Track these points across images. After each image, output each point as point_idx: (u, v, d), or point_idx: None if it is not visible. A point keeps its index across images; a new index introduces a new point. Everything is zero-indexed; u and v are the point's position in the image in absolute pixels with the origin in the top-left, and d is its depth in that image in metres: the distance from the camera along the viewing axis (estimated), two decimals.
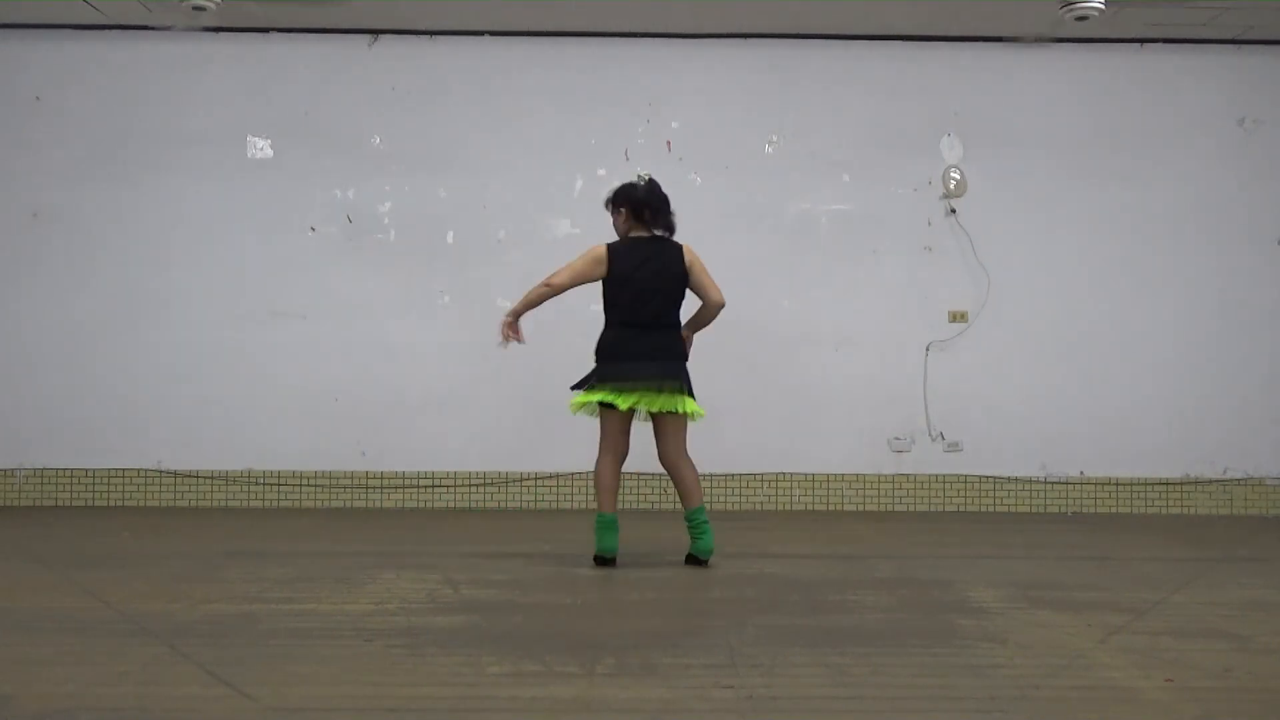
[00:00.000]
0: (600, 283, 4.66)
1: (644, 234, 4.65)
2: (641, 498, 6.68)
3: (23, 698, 2.67)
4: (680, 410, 4.55)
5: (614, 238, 4.75)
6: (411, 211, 6.84)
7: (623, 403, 4.49)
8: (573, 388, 4.63)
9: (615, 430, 4.61)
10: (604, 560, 4.60)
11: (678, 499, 6.84)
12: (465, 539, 5.57)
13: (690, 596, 4.04)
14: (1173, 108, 6.89)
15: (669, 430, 4.63)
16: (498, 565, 4.66)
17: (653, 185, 4.70)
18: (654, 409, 4.56)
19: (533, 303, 4.67)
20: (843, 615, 3.68)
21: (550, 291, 4.63)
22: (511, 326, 4.70)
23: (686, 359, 4.71)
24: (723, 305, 4.74)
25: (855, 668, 3.01)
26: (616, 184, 4.80)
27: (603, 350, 4.62)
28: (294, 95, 6.83)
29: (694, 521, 4.61)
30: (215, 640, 3.25)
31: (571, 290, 4.71)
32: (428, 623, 3.52)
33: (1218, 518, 6.71)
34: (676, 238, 4.73)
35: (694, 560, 4.64)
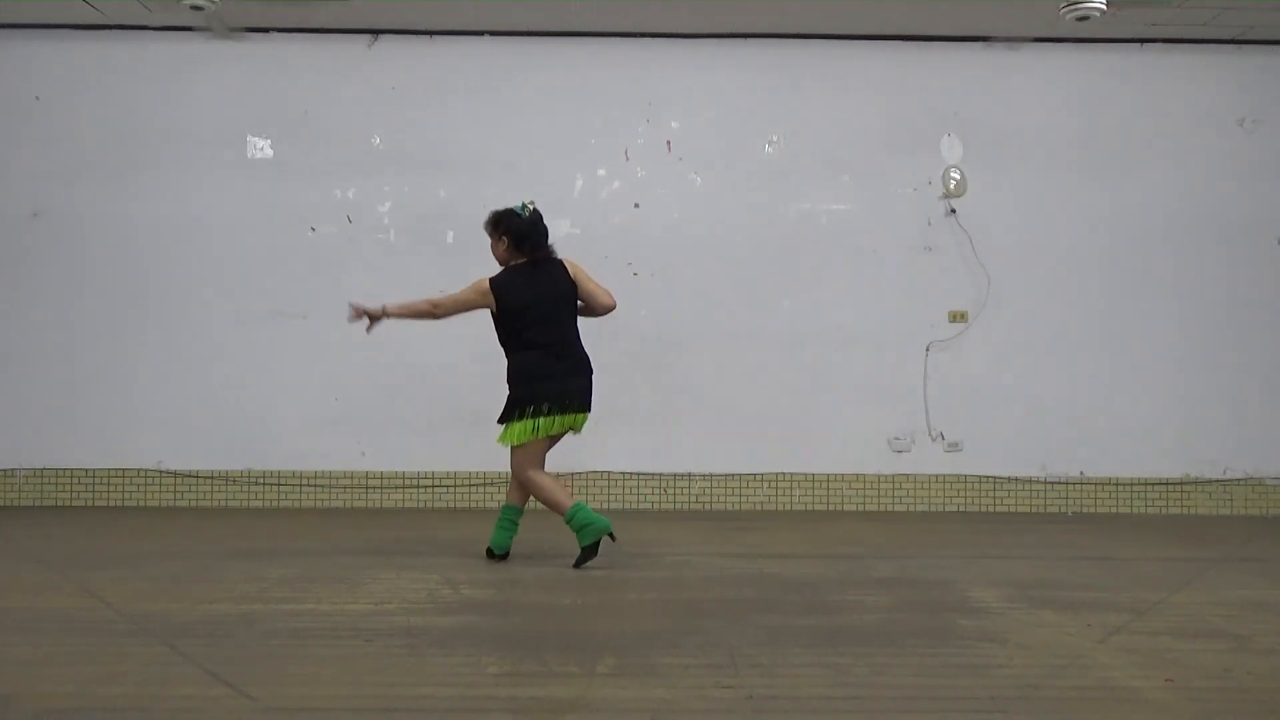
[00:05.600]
0: (492, 317, 4.68)
1: (523, 260, 4.68)
2: (641, 498, 6.67)
3: (23, 698, 2.67)
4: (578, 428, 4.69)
5: (497, 268, 4.78)
6: (411, 211, 6.83)
7: (559, 426, 4.57)
8: (504, 419, 4.60)
9: (544, 451, 4.66)
10: (595, 547, 4.52)
11: (678, 500, 6.84)
12: (465, 539, 5.57)
13: (690, 596, 4.04)
14: (1173, 108, 6.88)
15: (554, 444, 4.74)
16: (498, 565, 4.66)
17: (536, 217, 4.72)
18: (576, 429, 4.66)
19: (410, 314, 4.77)
20: (843, 615, 3.68)
21: (432, 314, 4.73)
22: (371, 318, 4.73)
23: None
24: (613, 307, 4.77)
25: (855, 668, 3.01)
26: (499, 207, 4.82)
27: (531, 374, 4.57)
28: (294, 95, 6.83)
29: (581, 513, 4.51)
30: (215, 640, 3.25)
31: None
32: (428, 623, 3.52)
33: (1218, 518, 6.71)
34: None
35: (591, 552, 4.49)
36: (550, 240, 4.76)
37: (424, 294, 6.75)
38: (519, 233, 4.68)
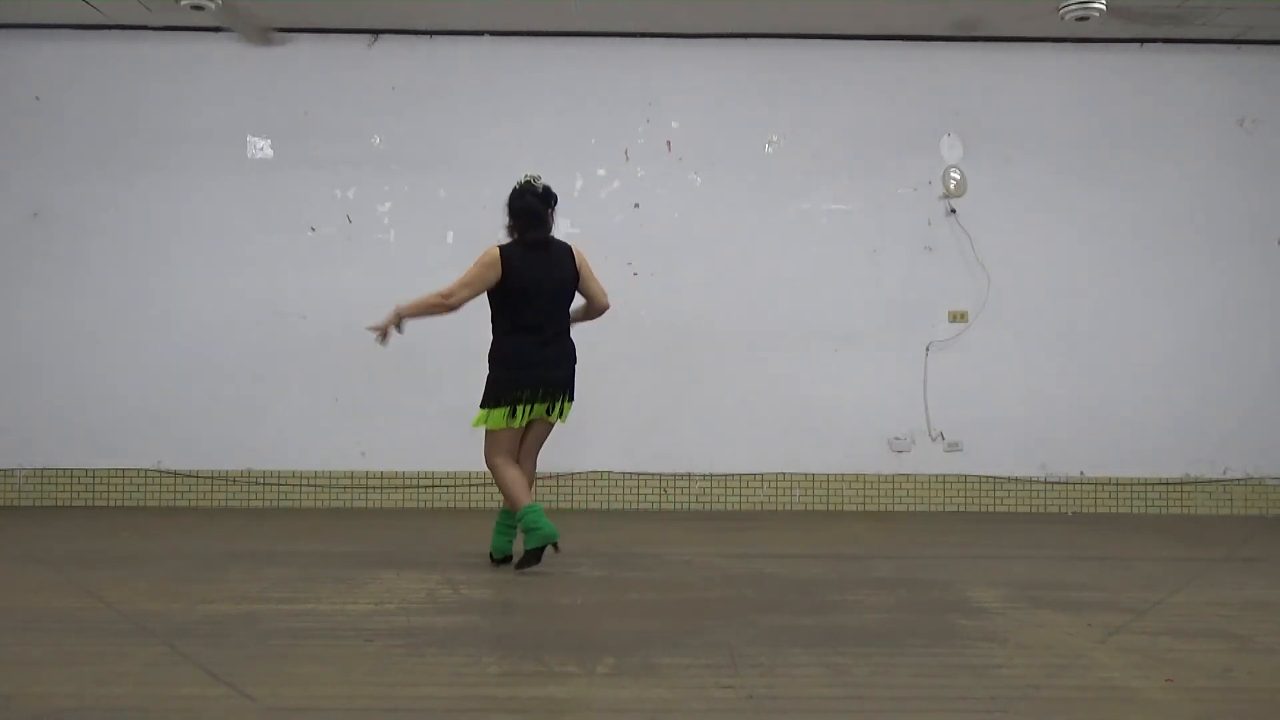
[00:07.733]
0: (489, 292, 4.53)
1: (533, 237, 4.53)
2: (641, 497, 6.67)
3: (23, 698, 2.67)
4: (562, 418, 4.59)
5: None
6: (411, 211, 6.84)
7: (535, 414, 4.48)
8: (484, 404, 4.50)
9: (516, 440, 4.55)
10: (539, 553, 4.36)
11: (678, 500, 6.84)
12: (465, 539, 5.57)
13: (690, 596, 4.04)
14: (1173, 108, 6.88)
15: (542, 433, 4.65)
16: (498, 565, 4.66)
17: (523, 190, 4.53)
18: (557, 419, 4.57)
19: (424, 311, 4.55)
20: (843, 615, 3.68)
21: (445, 305, 4.50)
22: (390, 327, 4.55)
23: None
24: (607, 309, 4.68)
25: (855, 668, 3.01)
26: (544, 186, 4.65)
27: (515, 360, 4.48)
28: (294, 95, 6.83)
29: (533, 515, 4.39)
30: (215, 640, 3.25)
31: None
32: (428, 623, 3.52)
33: (1218, 518, 6.71)
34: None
35: (534, 557, 4.36)
36: (547, 220, 4.57)
37: (428, 290, 6.81)
38: (512, 209, 4.58)
